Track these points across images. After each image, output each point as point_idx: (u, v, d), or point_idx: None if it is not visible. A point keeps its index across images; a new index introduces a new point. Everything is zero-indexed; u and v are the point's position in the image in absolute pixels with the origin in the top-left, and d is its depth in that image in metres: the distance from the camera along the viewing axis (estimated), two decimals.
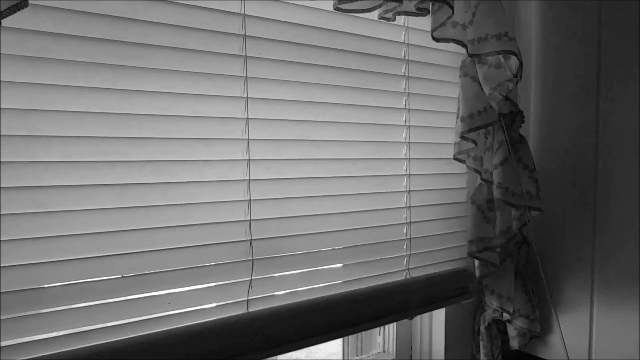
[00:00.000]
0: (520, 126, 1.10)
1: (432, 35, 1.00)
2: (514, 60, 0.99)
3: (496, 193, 1.06)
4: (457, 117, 1.07)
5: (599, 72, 1.11)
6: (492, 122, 1.04)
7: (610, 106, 1.09)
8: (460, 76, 1.05)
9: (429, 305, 1.14)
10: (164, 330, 0.77)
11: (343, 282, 0.99)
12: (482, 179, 1.12)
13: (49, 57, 0.66)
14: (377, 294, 1.03)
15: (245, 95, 0.83)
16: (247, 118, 0.83)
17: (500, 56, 1.00)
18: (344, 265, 0.98)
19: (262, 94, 0.85)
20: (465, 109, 1.03)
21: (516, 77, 0.98)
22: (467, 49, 1.00)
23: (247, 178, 0.84)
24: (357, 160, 0.99)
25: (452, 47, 1.14)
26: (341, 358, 1.46)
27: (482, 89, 1.03)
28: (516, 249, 1.19)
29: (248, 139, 0.84)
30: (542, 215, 1.11)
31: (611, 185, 1.10)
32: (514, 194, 1.07)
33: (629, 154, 1.07)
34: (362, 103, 0.99)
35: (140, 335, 0.75)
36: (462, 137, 1.05)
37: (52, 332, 0.68)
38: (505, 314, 1.19)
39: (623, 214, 1.08)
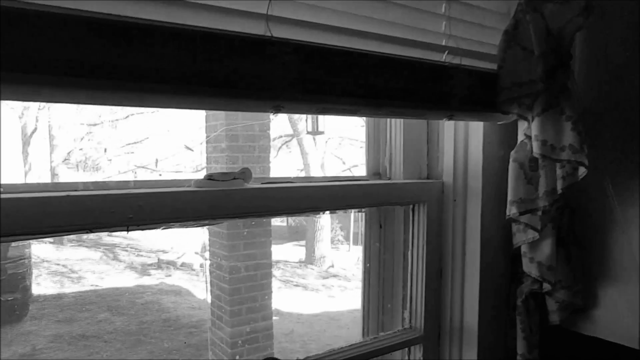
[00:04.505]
0: (567, 79, 1.00)
1: None
2: None
3: (534, 147, 0.96)
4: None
5: None
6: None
7: None
8: (529, 12, 0.95)
9: (472, 106, 0.99)
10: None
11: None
12: (525, 134, 1.02)
13: None
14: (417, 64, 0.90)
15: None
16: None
17: None
18: None
19: None
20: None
21: (587, 10, 0.89)
22: None
23: None
24: None
25: None
26: (361, 337, 1.36)
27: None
28: (558, 215, 1.10)
29: None
30: (587, 176, 1.01)
31: None
32: (553, 147, 0.97)
33: None
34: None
35: None
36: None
37: None
38: (545, 285, 1.10)
39: None
